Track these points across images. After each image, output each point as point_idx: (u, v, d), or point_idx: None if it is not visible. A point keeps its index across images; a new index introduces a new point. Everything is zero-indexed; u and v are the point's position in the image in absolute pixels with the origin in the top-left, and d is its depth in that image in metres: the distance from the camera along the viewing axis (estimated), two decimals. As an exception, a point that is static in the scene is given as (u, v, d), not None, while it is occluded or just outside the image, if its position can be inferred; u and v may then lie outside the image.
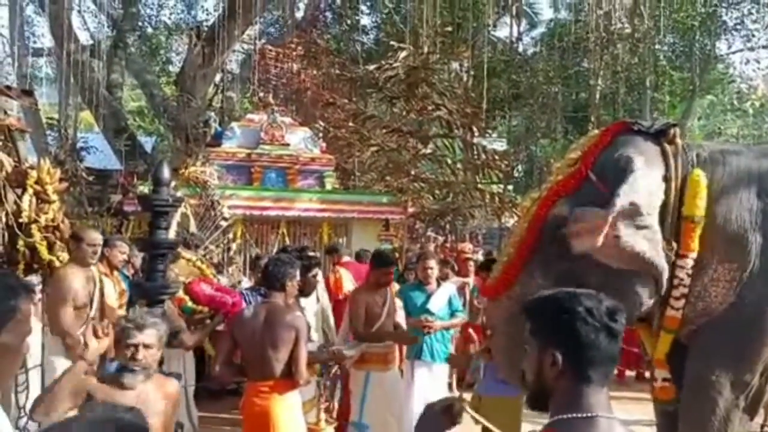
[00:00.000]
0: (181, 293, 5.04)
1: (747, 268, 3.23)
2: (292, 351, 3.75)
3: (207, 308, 4.93)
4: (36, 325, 4.36)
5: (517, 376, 3.24)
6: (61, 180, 5.61)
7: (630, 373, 8.33)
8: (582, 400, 1.49)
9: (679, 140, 3.40)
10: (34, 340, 4.44)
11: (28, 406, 4.44)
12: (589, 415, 1.48)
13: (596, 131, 3.50)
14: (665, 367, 3.55)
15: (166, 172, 3.97)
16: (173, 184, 8.71)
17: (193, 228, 7.97)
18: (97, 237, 4.61)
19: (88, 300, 4.38)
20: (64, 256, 5.08)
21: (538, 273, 3.18)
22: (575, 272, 3.10)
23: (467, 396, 4.98)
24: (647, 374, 7.73)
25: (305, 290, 5.25)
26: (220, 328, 4.99)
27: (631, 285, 3.15)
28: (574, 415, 1.48)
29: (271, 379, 3.75)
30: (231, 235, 9.18)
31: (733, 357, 3.25)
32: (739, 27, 19.47)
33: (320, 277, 6.58)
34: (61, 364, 4.33)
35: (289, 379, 3.78)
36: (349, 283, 6.89)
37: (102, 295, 4.54)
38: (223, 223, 8.87)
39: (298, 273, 4.11)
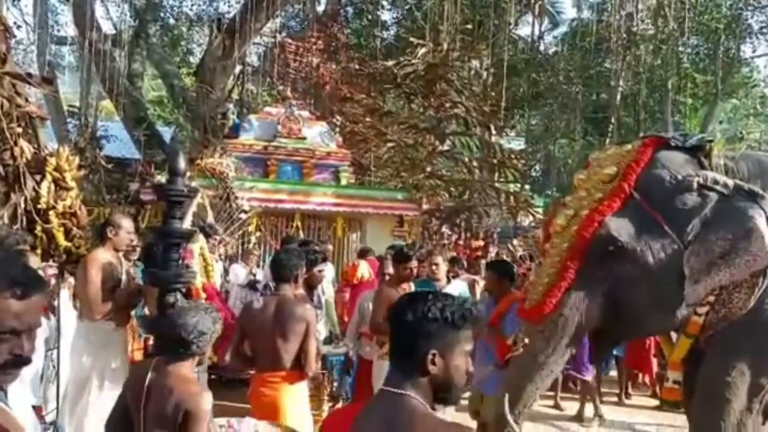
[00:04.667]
0: (200, 288, 5.14)
1: (766, 274, 3.25)
2: (302, 343, 3.78)
3: None
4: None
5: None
6: (79, 167, 5.69)
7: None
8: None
9: (715, 153, 3.41)
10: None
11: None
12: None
13: (629, 146, 3.43)
14: (679, 370, 3.57)
15: (181, 163, 3.98)
16: (189, 174, 8.80)
17: (210, 219, 8.04)
18: (132, 225, 4.70)
19: (116, 284, 4.46)
20: (81, 242, 5.16)
21: (585, 293, 3.19)
22: (620, 290, 3.19)
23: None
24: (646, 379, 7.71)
25: (311, 283, 5.29)
26: None
27: (674, 298, 3.18)
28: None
29: (281, 369, 3.79)
30: (250, 228, 9.25)
31: (750, 360, 3.26)
32: (764, 30, 19.21)
33: (328, 272, 6.64)
34: (80, 346, 4.42)
35: (298, 370, 3.82)
36: (365, 271, 7.01)
37: (130, 279, 4.61)
38: (243, 216, 8.93)
39: (305, 265, 4.17)
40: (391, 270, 5.82)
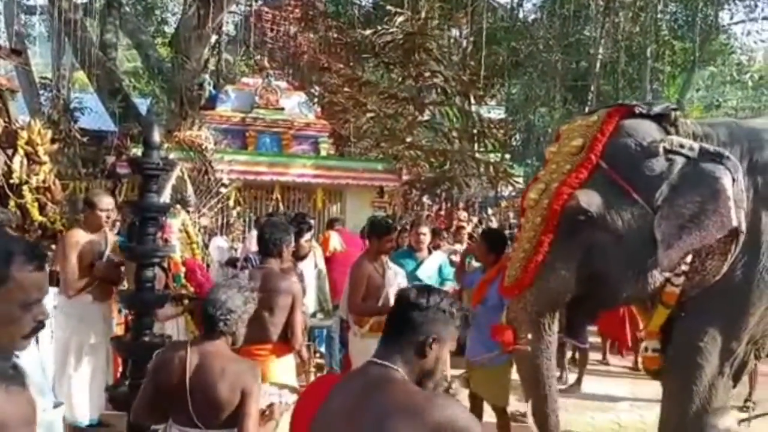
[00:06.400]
0: (179, 263, 5.10)
1: (738, 241, 3.28)
2: (288, 316, 3.79)
3: (193, 289, 4.97)
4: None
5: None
6: (53, 140, 5.60)
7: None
8: None
9: (681, 121, 3.43)
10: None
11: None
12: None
13: (594, 116, 3.45)
14: (656, 338, 3.64)
15: (156, 135, 3.92)
16: (166, 146, 8.67)
17: (190, 192, 7.95)
18: (110, 202, 4.62)
19: (95, 259, 4.44)
20: (56, 217, 5.10)
21: (560, 265, 3.25)
22: (595, 259, 3.25)
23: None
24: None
25: (299, 254, 5.24)
26: None
27: (647, 265, 3.25)
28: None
29: (267, 342, 3.80)
30: (231, 202, 9.16)
31: (721, 326, 3.33)
32: (742, -3, 19.24)
33: (316, 243, 6.59)
34: (58, 320, 4.40)
35: (285, 343, 3.84)
36: (336, 243, 6.93)
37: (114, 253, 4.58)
38: (223, 190, 8.84)
39: (292, 238, 4.14)
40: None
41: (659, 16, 18.75)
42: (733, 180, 3.17)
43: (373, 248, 4.88)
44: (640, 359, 5.32)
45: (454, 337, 1.88)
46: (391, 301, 4.97)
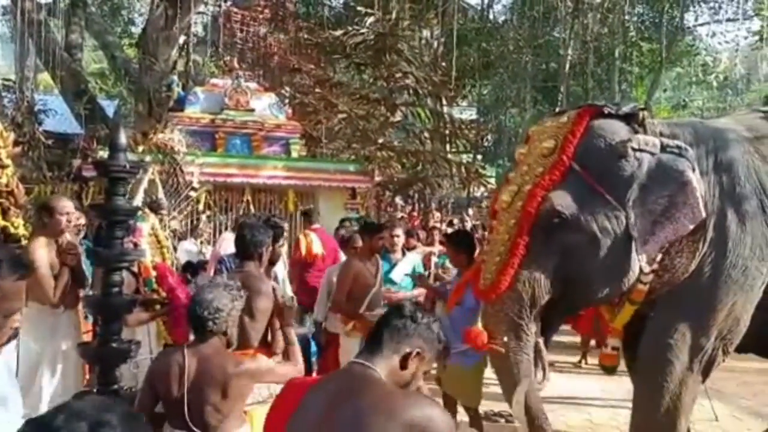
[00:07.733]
0: (150, 267, 5.01)
1: (706, 238, 3.36)
2: (269, 320, 3.74)
3: (164, 294, 4.89)
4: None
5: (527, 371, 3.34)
6: (16, 143, 5.44)
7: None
8: None
9: (648, 121, 3.48)
10: None
11: None
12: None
13: (564, 117, 3.48)
14: (619, 336, 3.68)
15: (122, 138, 3.84)
16: (141, 148, 8.53)
17: (161, 194, 7.83)
18: (68, 205, 4.47)
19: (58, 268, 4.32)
20: (19, 222, 4.96)
21: (536, 267, 3.25)
22: (571, 261, 3.27)
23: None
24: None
25: (272, 259, 5.21)
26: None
27: (624, 265, 3.27)
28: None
29: (249, 348, 3.74)
30: (201, 206, 9.05)
31: (691, 322, 3.37)
32: (706, -1, 19.63)
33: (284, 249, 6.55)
34: (28, 332, 4.28)
35: (266, 348, 3.78)
36: (318, 248, 6.88)
37: (79, 261, 4.46)
38: (193, 193, 8.73)
39: (271, 241, 4.11)
40: (359, 243, 5.66)
41: (627, 17, 19.04)
42: (693, 170, 3.28)
43: (365, 247, 4.95)
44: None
45: (432, 360, 1.96)
46: (377, 302, 5.05)
